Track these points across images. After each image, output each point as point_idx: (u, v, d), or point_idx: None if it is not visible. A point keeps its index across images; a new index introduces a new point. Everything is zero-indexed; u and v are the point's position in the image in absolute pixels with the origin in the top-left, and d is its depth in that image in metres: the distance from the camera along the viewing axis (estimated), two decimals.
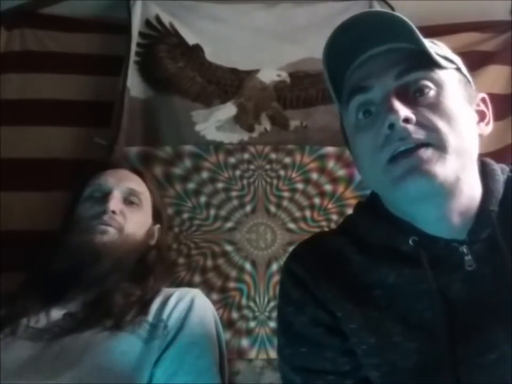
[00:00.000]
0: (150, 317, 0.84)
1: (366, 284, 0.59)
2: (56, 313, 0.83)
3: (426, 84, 0.56)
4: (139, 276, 0.90)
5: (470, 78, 0.61)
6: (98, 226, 0.90)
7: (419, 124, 0.54)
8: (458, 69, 0.60)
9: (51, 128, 1.32)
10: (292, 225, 1.20)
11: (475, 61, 1.43)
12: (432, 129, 0.54)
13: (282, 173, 1.24)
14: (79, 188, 0.99)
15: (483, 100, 0.62)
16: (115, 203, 0.93)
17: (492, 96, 1.36)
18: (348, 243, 0.63)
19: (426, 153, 0.53)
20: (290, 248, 1.14)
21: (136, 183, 1.00)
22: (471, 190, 0.58)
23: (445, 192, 0.55)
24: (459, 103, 0.57)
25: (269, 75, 1.35)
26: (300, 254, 0.68)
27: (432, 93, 0.56)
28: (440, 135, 0.53)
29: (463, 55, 1.49)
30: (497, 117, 1.38)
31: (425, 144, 0.53)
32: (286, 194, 1.23)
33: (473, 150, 0.58)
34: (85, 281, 0.86)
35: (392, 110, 0.53)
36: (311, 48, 1.38)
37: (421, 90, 0.56)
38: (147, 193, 1.01)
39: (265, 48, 1.38)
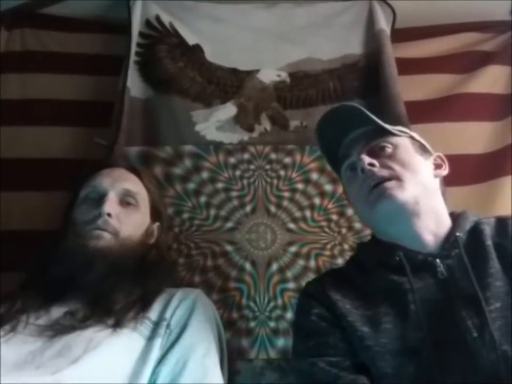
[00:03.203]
0: (153, 315, 0.84)
1: (363, 293, 0.77)
2: (57, 311, 0.83)
3: (385, 144, 0.82)
4: (139, 275, 0.90)
5: (424, 143, 0.87)
6: (93, 232, 0.89)
7: (382, 167, 0.79)
8: (411, 137, 0.86)
9: (51, 128, 1.32)
10: (291, 225, 1.20)
11: (475, 61, 1.43)
12: (392, 169, 0.78)
13: (282, 173, 1.24)
14: (76, 189, 0.98)
15: (439, 157, 0.87)
16: (110, 205, 0.91)
17: (492, 96, 1.40)
18: (351, 268, 0.85)
19: (389, 184, 0.77)
20: (290, 248, 1.17)
21: (132, 183, 0.99)
22: (435, 215, 0.79)
23: (408, 211, 0.76)
24: (411, 155, 0.82)
25: (269, 75, 1.35)
26: (314, 279, 0.89)
27: (389, 150, 0.82)
28: (397, 172, 0.78)
29: (463, 55, 1.52)
30: (497, 117, 1.39)
31: (388, 179, 0.77)
32: (286, 194, 1.23)
33: (427, 184, 0.80)
34: (82, 285, 0.85)
35: (360, 160, 0.80)
36: (311, 48, 1.39)
37: (382, 148, 0.82)
38: (144, 193, 1.00)
39: (265, 48, 1.38)
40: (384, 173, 0.78)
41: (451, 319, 0.69)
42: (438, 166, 0.85)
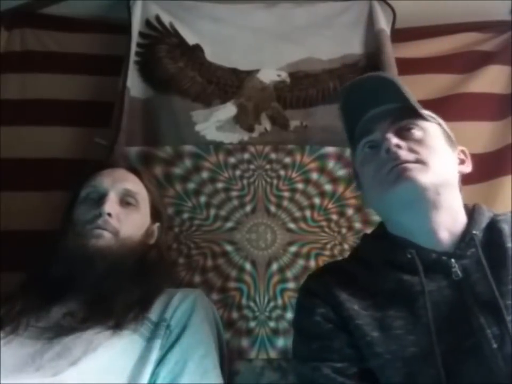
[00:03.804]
0: (153, 316, 0.84)
1: (370, 293, 0.71)
2: (57, 312, 0.83)
3: (413, 126, 0.75)
4: (139, 276, 0.90)
5: (450, 134, 0.80)
6: (93, 231, 0.89)
7: (409, 150, 0.72)
8: (439, 124, 0.79)
9: (51, 128, 1.32)
10: (291, 225, 1.19)
11: (475, 61, 1.43)
12: (418, 153, 0.72)
13: (282, 173, 1.24)
14: (76, 189, 0.99)
15: (462, 151, 0.81)
16: (111, 205, 0.91)
17: (492, 96, 1.40)
18: (355, 265, 0.78)
19: (411, 165, 0.70)
20: (290, 248, 1.17)
21: (132, 183, 0.99)
22: (453, 211, 0.73)
23: (429, 200, 0.70)
24: (440, 143, 0.76)
25: (269, 75, 1.35)
26: (314, 274, 0.83)
27: (418, 133, 0.75)
28: (423, 156, 0.71)
29: (463, 55, 1.52)
30: (497, 117, 1.39)
31: (412, 162, 0.70)
32: (286, 194, 1.22)
33: (451, 177, 0.74)
34: (82, 284, 0.85)
35: (387, 140, 0.72)
36: (311, 48, 1.39)
37: (409, 130, 0.75)
38: (144, 193, 1.00)
39: (265, 48, 1.38)
40: (410, 157, 0.71)
41: (467, 325, 0.64)
42: (461, 161, 0.79)
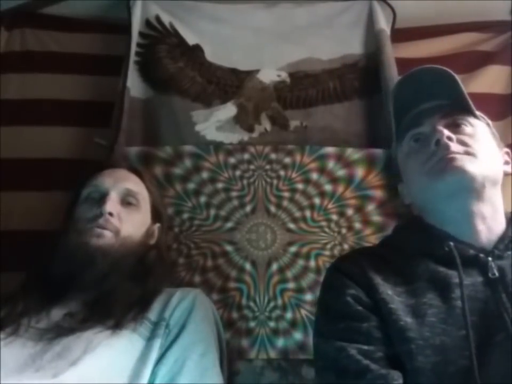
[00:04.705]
0: (152, 315, 0.84)
1: (403, 280, 0.71)
2: (57, 313, 0.83)
3: (464, 122, 0.77)
4: (139, 276, 0.90)
5: (496, 135, 0.82)
6: (94, 229, 0.89)
7: (459, 143, 0.73)
8: (488, 124, 0.81)
9: (51, 128, 1.32)
10: (291, 225, 1.19)
11: (475, 61, 1.43)
12: (468, 146, 0.73)
13: (282, 173, 1.24)
14: (77, 189, 0.99)
15: (507, 153, 0.82)
16: (112, 205, 0.92)
17: (492, 96, 1.40)
18: (387, 251, 0.78)
19: (461, 156, 0.72)
20: (290, 248, 1.17)
21: (133, 183, 1.00)
22: (494, 207, 0.75)
23: (473, 190, 0.71)
24: (489, 140, 0.78)
25: (269, 75, 1.35)
26: (346, 255, 0.84)
27: (468, 129, 0.76)
28: (472, 149, 0.73)
29: (463, 55, 1.52)
30: (497, 117, 1.38)
31: (461, 153, 0.72)
32: (286, 194, 1.22)
33: (497, 174, 0.76)
34: (82, 283, 0.86)
35: (438, 131, 0.74)
36: (311, 48, 1.39)
37: (459, 125, 0.77)
38: (145, 193, 1.01)
39: (265, 48, 1.38)
40: (460, 148, 0.73)
41: (498, 320, 0.65)
42: (505, 162, 0.81)
